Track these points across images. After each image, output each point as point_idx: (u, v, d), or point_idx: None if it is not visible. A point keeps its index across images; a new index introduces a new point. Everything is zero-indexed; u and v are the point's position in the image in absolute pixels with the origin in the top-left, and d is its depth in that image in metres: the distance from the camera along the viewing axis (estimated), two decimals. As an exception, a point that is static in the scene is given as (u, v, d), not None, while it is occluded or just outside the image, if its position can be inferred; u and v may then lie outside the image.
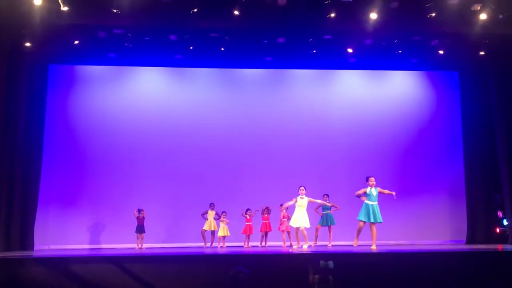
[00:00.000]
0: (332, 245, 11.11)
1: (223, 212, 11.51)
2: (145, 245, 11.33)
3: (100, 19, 10.42)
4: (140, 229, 11.30)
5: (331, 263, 5.67)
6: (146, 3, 9.91)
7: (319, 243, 11.26)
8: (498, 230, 12.16)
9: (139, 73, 12.98)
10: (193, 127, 12.79)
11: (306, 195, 10.41)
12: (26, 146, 11.45)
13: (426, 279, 7.36)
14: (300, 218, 10.28)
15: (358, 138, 12.99)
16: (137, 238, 11.26)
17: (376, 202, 9.81)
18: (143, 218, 11.34)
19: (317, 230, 11.22)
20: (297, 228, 10.39)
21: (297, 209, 10.39)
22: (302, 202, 10.35)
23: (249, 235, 11.45)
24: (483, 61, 12.39)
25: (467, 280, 7.38)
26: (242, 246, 11.39)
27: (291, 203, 10.46)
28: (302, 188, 10.47)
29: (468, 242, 12.17)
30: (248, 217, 11.45)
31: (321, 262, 5.61)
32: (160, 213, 12.18)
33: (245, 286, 5.08)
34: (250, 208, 11.56)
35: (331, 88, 13.33)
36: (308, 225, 10.33)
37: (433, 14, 10.30)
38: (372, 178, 9.95)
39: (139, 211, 11.32)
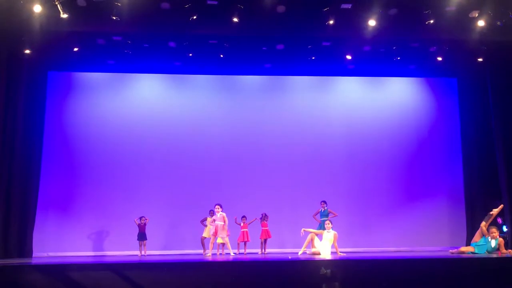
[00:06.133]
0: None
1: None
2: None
3: (100, 26, 10.46)
4: (142, 237, 11.25)
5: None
6: (145, 10, 9.94)
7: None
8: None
9: (138, 80, 13.00)
10: (192, 134, 12.78)
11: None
12: (25, 152, 11.44)
13: (425, 285, 7.34)
14: (323, 250, 9.95)
15: (357, 144, 12.99)
16: (139, 246, 11.21)
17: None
18: (145, 225, 11.29)
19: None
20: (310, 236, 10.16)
21: (322, 241, 10.09)
22: (328, 236, 10.05)
23: (245, 242, 11.39)
24: (481, 67, 12.42)
25: (467, 286, 7.36)
26: (243, 253, 11.34)
27: (317, 232, 10.22)
28: (328, 222, 10.29)
29: (468, 248, 12.13)
30: (242, 224, 11.41)
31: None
32: (159, 220, 12.12)
33: None
34: (245, 215, 11.51)
35: (330, 95, 13.34)
36: (329, 257, 9.82)
37: (432, 21, 10.35)
38: None
39: (140, 218, 11.29)
